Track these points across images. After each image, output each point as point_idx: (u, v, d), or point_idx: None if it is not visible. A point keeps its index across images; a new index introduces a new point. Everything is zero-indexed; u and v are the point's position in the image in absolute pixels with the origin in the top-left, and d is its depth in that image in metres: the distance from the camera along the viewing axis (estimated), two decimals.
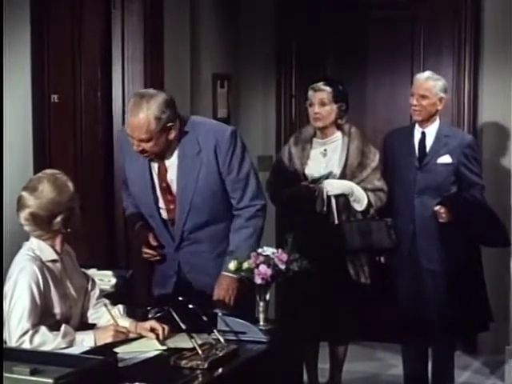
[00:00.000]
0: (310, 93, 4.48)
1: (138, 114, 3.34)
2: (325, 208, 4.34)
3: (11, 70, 3.88)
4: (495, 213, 4.51)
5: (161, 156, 3.51)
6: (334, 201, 4.36)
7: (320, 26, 5.93)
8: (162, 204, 3.61)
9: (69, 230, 3.07)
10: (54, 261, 3.10)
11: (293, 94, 6.07)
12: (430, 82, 4.53)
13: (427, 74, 4.60)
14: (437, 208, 4.45)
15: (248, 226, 3.57)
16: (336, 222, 4.36)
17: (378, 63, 5.90)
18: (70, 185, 3.07)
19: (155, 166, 3.57)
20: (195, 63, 5.21)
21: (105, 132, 4.78)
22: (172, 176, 3.55)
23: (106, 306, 3.22)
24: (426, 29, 5.76)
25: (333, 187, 4.36)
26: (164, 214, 3.62)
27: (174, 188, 3.56)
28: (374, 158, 4.47)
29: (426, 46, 5.78)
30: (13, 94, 3.90)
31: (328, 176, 4.37)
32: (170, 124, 3.40)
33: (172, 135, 3.44)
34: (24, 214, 3.03)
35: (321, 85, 4.46)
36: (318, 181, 4.36)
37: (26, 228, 3.06)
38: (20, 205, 3.04)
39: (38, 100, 4.10)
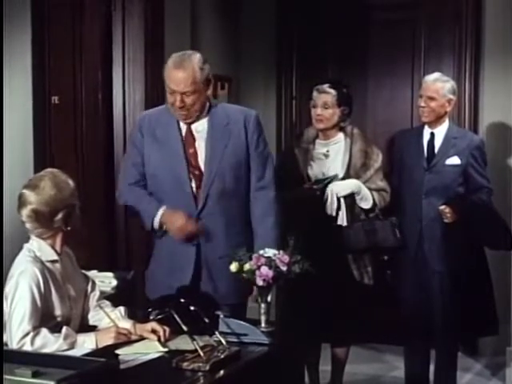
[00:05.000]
0: (315, 94, 4.48)
1: (184, 66, 3.57)
2: (334, 211, 4.34)
3: (12, 72, 3.88)
4: (501, 216, 4.51)
5: (195, 116, 3.66)
6: (343, 202, 4.36)
7: (321, 27, 5.94)
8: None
9: (69, 228, 3.08)
10: (54, 261, 3.10)
11: (293, 96, 6.08)
12: (438, 84, 4.53)
13: (435, 75, 4.59)
14: (442, 207, 4.45)
15: (271, 214, 3.75)
16: (345, 223, 4.36)
17: (378, 65, 5.90)
18: (71, 182, 3.11)
19: (182, 134, 3.70)
20: None
21: (105, 133, 4.78)
22: (200, 143, 3.70)
23: (101, 308, 3.22)
24: (426, 31, 5.77)
25: (341, 188, 4.35)
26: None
27: (200, 154, 3.70)
28: (377, 159, 4.47)
29: (426, 47, 5.79)
30: (13, 96, 3.89)
31: (333, 179, 4.36)
32: (210, 76, 3.65)
33: (210, 91, 3.70)
34: (26, 211, 3.05)
35: (326, 87, 4.45)
36: (321, 182, 4.35)
37: (28, 225, 3.07)
38: (21, 202, 3.06)
39: (38, 101, 4.10)
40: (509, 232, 4.50)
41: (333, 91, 4.44)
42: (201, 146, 3.69)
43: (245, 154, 3.72)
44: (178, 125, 3.71)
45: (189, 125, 3.70)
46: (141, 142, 3.73)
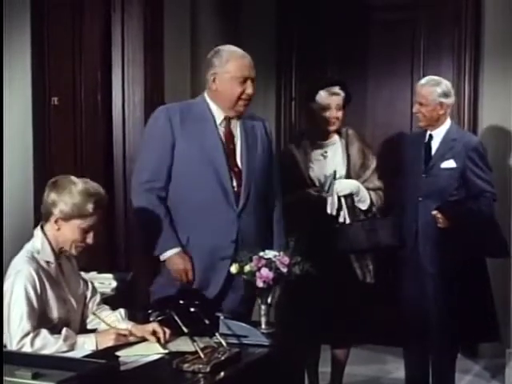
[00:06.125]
0: (324, 95, 4.47)
1: (246, 56, 3.70)
2: (335, 209, 4.36)
3: (11, 73, 3.87)
4: (497, 224, 4.49)
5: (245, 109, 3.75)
6: (343, 200, 4.39)
7: (321, 28, 5.93)
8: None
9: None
10: (50, 262, 3.10)
11: (293, 97, 6.06)
12: (426, 89, 4.50)
13: (426, 79, 4.57)
14: (434, 213, 4.42)
15: (282, 221, 3.92)
16: (348, 221, 4.39)
17: (378, 66, 5.90)
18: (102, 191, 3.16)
19: (220, 130, 3.71)
20: (196, 66, 5.20)
21: (105, 134, 4.77)
22: (237, 141, 3.73)
23: (95, 314, 3.22)
24: (426, 32, 5.77)
25: (342, 187, 4.39)
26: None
27: (238, 152, 3.72)
28: (373, 159, 4.55)
29: (426, 48, 5.78)
30: (13, 96, 3.88)
31: (335, 175, 4.38)
32: None
33: None
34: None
35: (337, 89, 4.47)
36: (325, 186, 4.36)
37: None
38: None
39: (38, 102, 4.08)
40: (504, 241, 4.49)
41: (342, 92, 4.49)
42: (237, 144, 3.72)
43: (268, 158, 3.82)
44: (215, 121, 3.70)
45: (229, 121, 3.72)
46: (170, 134, 3.65)
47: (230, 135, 3.73)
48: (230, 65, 3.66)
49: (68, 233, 3.09)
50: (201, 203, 3.64)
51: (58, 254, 3.13)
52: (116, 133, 4.82)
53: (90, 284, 3.34)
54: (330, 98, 4.45)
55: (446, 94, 4.50)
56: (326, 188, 4.36)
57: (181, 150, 3.65)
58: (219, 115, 3.72)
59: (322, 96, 4.47)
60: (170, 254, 3.66)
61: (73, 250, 3.12)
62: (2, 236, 3.42)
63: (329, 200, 4.38)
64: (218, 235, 3.65)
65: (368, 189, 4.47)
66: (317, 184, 4.43)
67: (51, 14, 4.27)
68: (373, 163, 4.53)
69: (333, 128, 4.48)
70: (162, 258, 3.68)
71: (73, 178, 3.13)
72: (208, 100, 3.75)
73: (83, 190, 3.06)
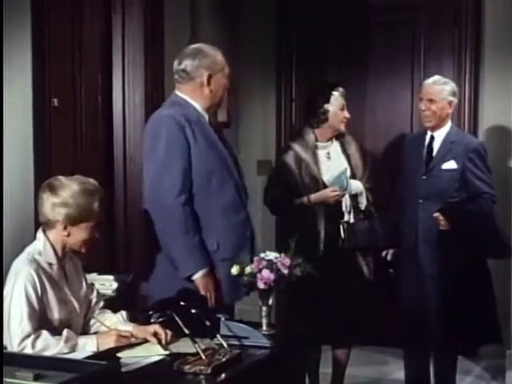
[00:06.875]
0: (338, 96, 4.51)
1: None
2: (349, 206, 4.43)
3: (11, 73, 3.87)
4: (497, 225, 4.49)
5: None
6: (349, 200, 4.45)
7: (321, 29, 5.92)
8: None
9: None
10: (52, 264, 3.09)
11: (293, 98, 6.05)
12: (437, 87, 4.52)
13: (434, 78, 4.59)
14: (436, 215, 4.42)
15: None
16: (352, 220, 4.44)
17: (378, 67, 5.89)
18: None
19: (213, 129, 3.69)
20: None
21: (105, 135, 4.77)
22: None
23: (94, 318, 3.22)
24: (426, 32, 5.76)
25: (352, 187, 4.46)
26: None
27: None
28: (368, 158, 4.62)
29: (426, 49, 5.77)
30: (13, 97, 3.88)
31: (345, 173, 4.44)
32: None
33: None
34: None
35: (342, 89, 4.52)
36: (341, 182, 4.40)
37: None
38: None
39: (38, 104, 4.08)
40: (504, 242, 4.48)
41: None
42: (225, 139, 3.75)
43: None
44: (205, 119, 3.66)
45: (215, 116, 3.75)
46: (186, 143, 3.54)
47: (219, 131, 3.74)
48: (219, 62, 3.64)
49: (79, 236, 3.08)
50: (224, 204, 3.60)
51: (62, 255, 3.12)
52: (116, 133, 4.82)
53: (95, 288, 3.33)
54: (343, 99, 4.50)
55: (454, 93, 4.56)
56: (345, 186, 4.41)
57: (196, 156, 3.56)
58: (204, 113, 3.67)
59: (337, 97, 4.50)
60: (202, 273, 3.54)
61: (83, 248, 3.12)
62: (2, 237, 3.43)
63: (343, 199, 4.43)
64: (238, 232, 3.64)
65: (365, 188, 4.52)
66: (328, 185, 4.46)
67: (51, 15, 4.27)
68: (368, 162, 4.59)
69: (343, 128, 4.52)
70: (194, 277, 3.54)
71: (62, 178, 3.09)
72: (190, 100, 3.65)
73: (82, 190, 3.05)
